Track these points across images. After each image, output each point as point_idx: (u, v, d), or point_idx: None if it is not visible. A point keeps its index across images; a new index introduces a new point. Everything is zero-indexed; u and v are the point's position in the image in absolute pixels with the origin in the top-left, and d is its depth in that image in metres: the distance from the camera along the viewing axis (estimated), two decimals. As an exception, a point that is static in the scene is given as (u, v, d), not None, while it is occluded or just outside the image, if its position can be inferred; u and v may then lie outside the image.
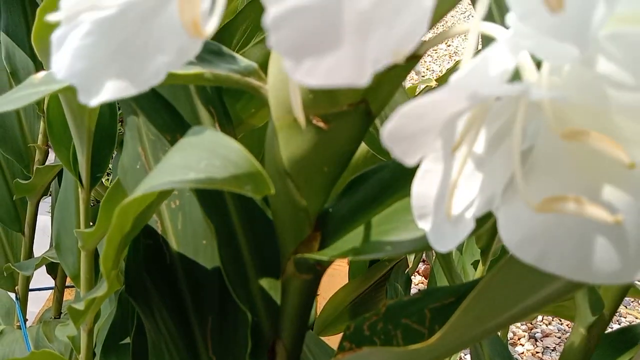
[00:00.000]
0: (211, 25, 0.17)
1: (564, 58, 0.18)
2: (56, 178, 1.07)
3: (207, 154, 0.26)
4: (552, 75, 0.21)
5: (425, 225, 0.27)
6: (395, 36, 0.17)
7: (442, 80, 0.76)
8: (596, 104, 0.20)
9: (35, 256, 1.13)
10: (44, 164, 1.15)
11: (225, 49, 0.35)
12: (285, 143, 0.32)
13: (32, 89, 0.35)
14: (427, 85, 0.74)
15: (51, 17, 0.20)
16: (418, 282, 2.28)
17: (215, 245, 0.44)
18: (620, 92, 0.19)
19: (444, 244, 0.26)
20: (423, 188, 0.27)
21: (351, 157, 0.35)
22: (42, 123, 1.17)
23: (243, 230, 0.42)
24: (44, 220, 1.26)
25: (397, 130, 0.17)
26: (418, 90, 0.74)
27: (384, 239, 0.30)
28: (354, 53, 0.15)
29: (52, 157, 1.11)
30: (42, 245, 1.19)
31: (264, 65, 0.41)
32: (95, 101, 0.22)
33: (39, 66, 1.08)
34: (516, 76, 0.22)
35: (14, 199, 1.14)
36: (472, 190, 0.25)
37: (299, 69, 0.15)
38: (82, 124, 0.57)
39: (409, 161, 0.19)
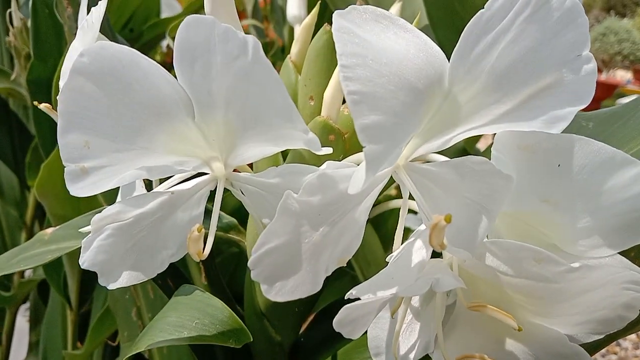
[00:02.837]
0: (207, 251, 0.23)
1: (460, 255, 0.25)
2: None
3: (197, 314, 0.32)
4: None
5: (380, 362, 0.33)
6: (339, 251, 0.24)
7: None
8: (494, 280, 0.27)
9: None
10: (23, 274, 1.18)
11: (209, 207, 0.41)
12: (261, 291, 0.38)
13: (44, 247, 0.41)
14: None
15: (83, 230, 0.26)
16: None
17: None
18: (505, 277, 0.26)
19: (394, 381, 0.32)
20: (376, 331, 0.33)
21: (319, 295, 0.41)
22: (23, 234, 1.21)
23: (224, 358, 0.47)
24: (19, 322, 1.25)
25: (343, 319, 0.23)
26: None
27: (347, 374, 0.36)
28: (310, 273, 0.22)
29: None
30: (17, 348, 1.19)
31: (236, 209, 0.48)
32: (112, 286, 0.28)
33: (22, 181, 1.13)
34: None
35: (-7, 310, 1.15)
36: (413, 336, 0.32)
37: (271, 291, 0.21)
38: (74, 255, 0.62)
39: (355, 337, 0.25)
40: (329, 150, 0.23)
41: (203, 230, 0.24)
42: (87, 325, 0.78)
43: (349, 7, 0.21)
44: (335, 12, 0.20)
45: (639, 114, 0.34)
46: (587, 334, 0.27)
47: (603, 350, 2.23)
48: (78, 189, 0.24)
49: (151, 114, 0.23)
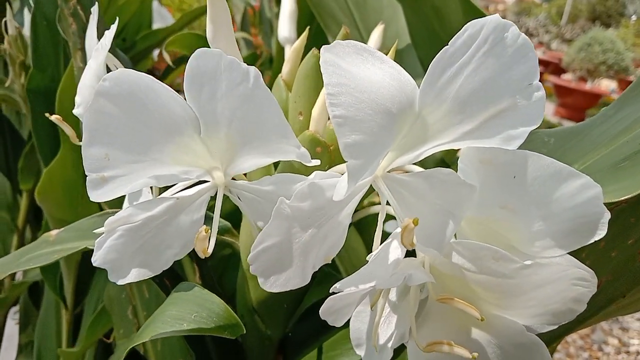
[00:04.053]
0: (211, 248, 0.27)
1: (430, 254, 0.29)
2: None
3: (196, 308, 0.35)
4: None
5: (361, 352, 0.37)
6: (325, 250, 0.27)
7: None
8: (460, 276, 0.31)
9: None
10: (14, 276, 1.20)
11: (208, 213, 0.45)
12: (253, 288, 0.42)
13: (50, 247, 0.44)
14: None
15: (97, 231, 0.30)
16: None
17: (192, 364, 0.52)
18: (469, 273, 0.29)
19: (374, 368, 0.35)
20: (358, 324, 0.37)
21: (306, 292, 0.45)
22: (15, 237, 1.23)
23: (216, 353, 0.50)
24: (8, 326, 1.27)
25: (328, 309, 0.27)
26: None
27: (331, 364, 0.39)
28: (300, 268, 0.26)
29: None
30: (5, 350, 1.21)
31: (230, 214, 0.51)
32: (122, 282, 0.32)
33: (14, 185, 1.15)
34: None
35: (-16, 312, 1.17)
36: (391, 327, 0.35)
37: (266, 283, 0.25)
38: (71, 257, 0.66)
39: (339, 324, 0.29)
40: (317, 162, 0.27)
41: (209, 231, 0.27)
42: (79, 326, 0.81)
43: (335, 42, 0.24)
44: (323, 46, 0.24)
45: (594, 131, 0.38)
46: (542, 324, 0.31)
47: (585, 355, 2.28)
48: (97, 195, 0.27)
49: (163, 130, 0.26)
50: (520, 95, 0.25)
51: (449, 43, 0.25)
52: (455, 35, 0.25)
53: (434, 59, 0.25)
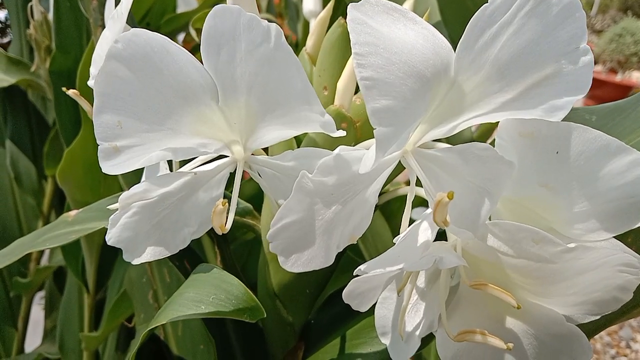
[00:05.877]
0: (229, 225, 0.25)
1: (463, 236, 0.27)
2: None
3: (214, 290, 0.34)
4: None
5: (386, 341, 0.35)
6: (350, 229, 0.26)
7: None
8: (495, 261, 0.28)
9: (25, 348, 1.16)
10: (39, 261, 1.20)
11: (227, 193, 0.43)
12: (274, 272, 0.40)
13: (69, 227, 0.43)
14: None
15: (112, 207, 0.28)
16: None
17: (211, 350, 0.51)
18: (506, 257, 0.27)
19: (400, 357, 0.34)
20: (383, 311, 0.35)
21: (329, 279, 0.43)
22: (40, 222, 1.23)
23: (237, 339, 0.49)
24: (32, 311, 1.28)
25: (351, 291, 0.25)
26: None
27: (355, 352, 0.38)
28: (323, 247, 0.24)
29: (46, 255, 1.17)
30: (31, 336, 1.21)
31: (252, 197, 0.50)
32: (136, 261, 0.30)
33: (40, 171, 1.16)
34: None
35: (10, 295, 1.18)
36: (418, 315, 0.33)
37: (287, 263, 0.23)
38: (93, 240, 0.65)
39: (363, 309, 0.27)
40: (342, 133, 0.25)
41: (227, 204, 0.25)
42: (101, 312, 0.81)
43: (363, 0, 0.22)
44: (350, 4, 0.22)
45: (640, 108, 0.36)
46: (583, 314, 0.29)
47: (613, 352, 2.23)
48: (110, 167, 0.26)
49: (179, 97, 0.25)
50: (566, 60, 0.23)
51: (488, 1, 0.22)
52: (496, -8, 0.22)
53: (472, 18, 0.23)
